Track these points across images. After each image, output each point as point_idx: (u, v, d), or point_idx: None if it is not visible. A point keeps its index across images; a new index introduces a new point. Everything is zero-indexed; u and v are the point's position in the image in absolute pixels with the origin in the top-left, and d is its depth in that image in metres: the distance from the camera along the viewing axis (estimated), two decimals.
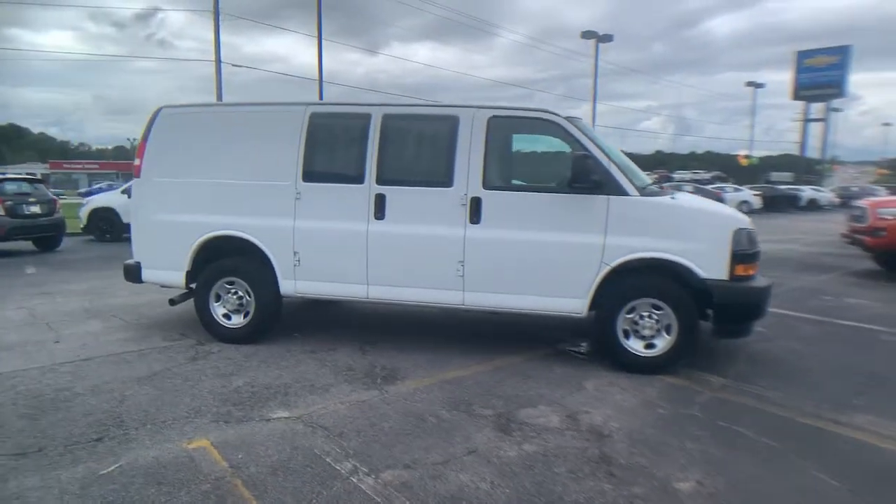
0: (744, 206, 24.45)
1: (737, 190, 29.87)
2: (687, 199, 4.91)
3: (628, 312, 4.51)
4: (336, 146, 5.08)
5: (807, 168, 47.69)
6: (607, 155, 4.49)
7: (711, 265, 4.30)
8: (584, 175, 4.34)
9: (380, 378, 4.41)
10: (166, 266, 5.36)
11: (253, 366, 4.65)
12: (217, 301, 5.29)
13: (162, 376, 4.37)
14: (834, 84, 41.25)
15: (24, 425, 3.50)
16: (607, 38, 34.94)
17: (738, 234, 4.32)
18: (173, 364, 4.66)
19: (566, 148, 4.62)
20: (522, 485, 2.90)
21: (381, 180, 4.79)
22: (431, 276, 4.78)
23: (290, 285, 5.08)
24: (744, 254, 4.33)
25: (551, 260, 4.54)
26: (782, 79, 66.76)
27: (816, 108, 43.56)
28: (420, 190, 4.79)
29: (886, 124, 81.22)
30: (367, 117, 4.87)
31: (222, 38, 23.54)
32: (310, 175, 4.94)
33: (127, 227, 13.88)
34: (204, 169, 5.21)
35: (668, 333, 4.47)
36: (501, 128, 4.74)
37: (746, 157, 48.06)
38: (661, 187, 5.16)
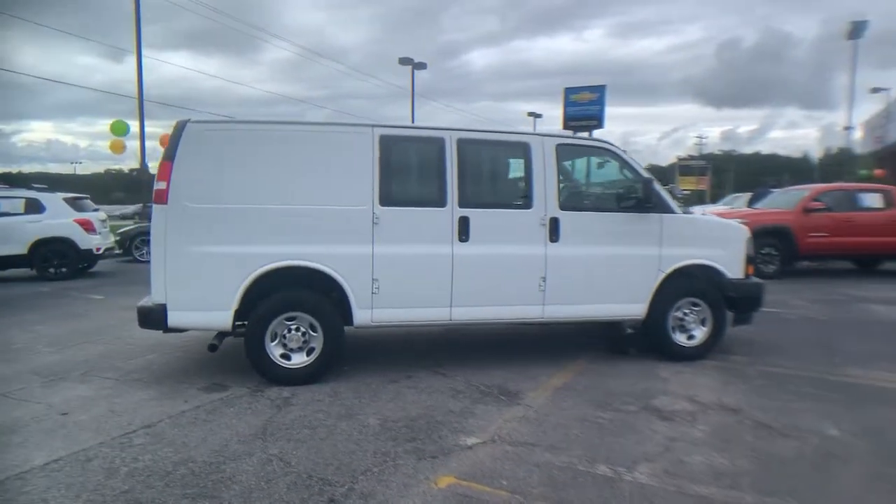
0: None
1: None
2: (712, 216, 6.02)
3: (675, 311, 5.38)
4: (412, 169, 5.03)
5: None
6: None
7: (734, 267, 5.42)
8: (649, 197, 5.12)
9: (500, 395, 4.53)
10: (206, 306, 4.63)
11: (355, 404, 4.35)
12: (273, 340, 4.74)
13: (277, 429, 3.86)
14: (595, 117, 48.68)
15: None
16: (422, 66, 37.20)
17: (748, 241, 5.52)
18: (266, 415, 4.10)
19: (615, 172, 5.37)
20: (744, 452, 3.49)
21: (463, 203, 4.91)
22: (514, 293, 5.05)
23: (366, 315, 4.83)
24: (751, 257, 5.55)
25: (620, 271, 5.20)
26: (528, 108, 78.55)
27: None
28: (502, 212, 5.04)
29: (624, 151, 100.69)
30: (442, 141, 4.94)
31: None
32: (388, 199, 4.80)
33: None
34: (254, 193, 4.66)
35: (704, 326, 5.45)
36: (567, 154, 5.26)
37: None
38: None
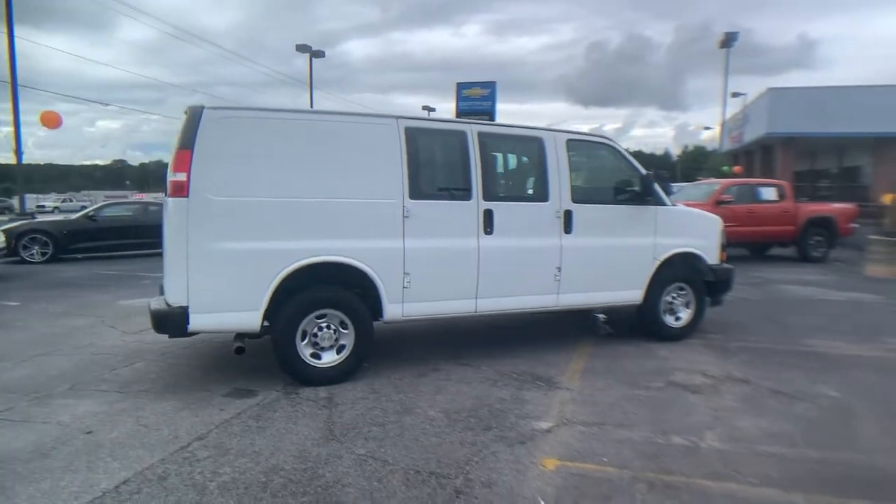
0: None
1: None
2: (693, 208, 6.57)
3: (666, 295, 5.90)
4: (438, 162, 5.02)
5: None
6: None
7: (712, 254, 6.06)
8: (648, 190, 5.56)
9: (537, 381, 4.72)
10: (234, 306, 4.32)
11: (404, 399, 4.32)
12: (303, 339, 4.53)
13: (344, 429, 3.75)
14: (486, 112, 49.73)
15: None
16: (320, 54, 36.05)
17: (723, 230, 6.18)
18: (321, 417, 3.96)
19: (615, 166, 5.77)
20: (779, 416, 3.99)
21: (487, 196, 5.00)
22: (533, 284, 5.25)
23: (397, 309, 4.77)
24: (724, 244, 6.22)
25: (623, 259, 5.60)
26: (411, 102, 79.31)
27: None
28: (522, 205, 5.21)
29: None
30: (464, 134, 5.00)
31: None
32: (417, 192, 4.77)
33: None
34: (280, 185, 4.41)
35: (688, 308, 6.04)
36: (574, 149, 5.54)
37: None
38: None
